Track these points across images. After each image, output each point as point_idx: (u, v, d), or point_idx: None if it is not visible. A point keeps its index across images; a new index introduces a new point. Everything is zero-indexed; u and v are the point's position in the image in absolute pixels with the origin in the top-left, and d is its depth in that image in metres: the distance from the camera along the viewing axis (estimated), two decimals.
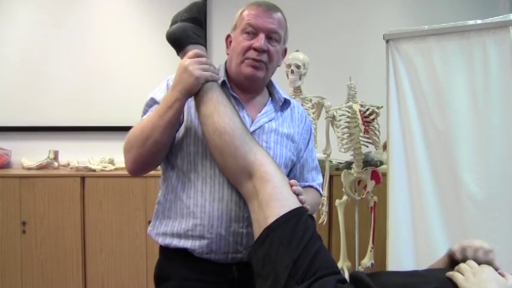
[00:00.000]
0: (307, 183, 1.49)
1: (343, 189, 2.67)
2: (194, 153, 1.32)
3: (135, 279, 3.07)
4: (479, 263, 1.04)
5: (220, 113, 1.26)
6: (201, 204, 1.30)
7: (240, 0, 1.48)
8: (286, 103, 1.45)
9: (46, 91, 3.39)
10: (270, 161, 1.26)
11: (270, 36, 1.33)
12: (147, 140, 1.25)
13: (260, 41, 1.31)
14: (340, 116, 2.58)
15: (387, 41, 2.34)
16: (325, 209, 2.64)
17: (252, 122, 1.36)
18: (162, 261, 1.41)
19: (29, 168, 3.18)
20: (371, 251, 2.64)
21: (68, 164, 3.23)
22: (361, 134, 2.55)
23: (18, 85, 3.37)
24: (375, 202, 2.65)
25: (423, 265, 1.29)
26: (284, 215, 1.16)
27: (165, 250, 1.38)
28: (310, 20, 3.56)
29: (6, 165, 3.27)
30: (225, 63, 1.43)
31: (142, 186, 3.05)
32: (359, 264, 2.72)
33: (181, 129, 1.33)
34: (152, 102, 1.37)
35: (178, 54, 1.43)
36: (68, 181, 3.03)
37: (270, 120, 1.39)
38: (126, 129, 1.37)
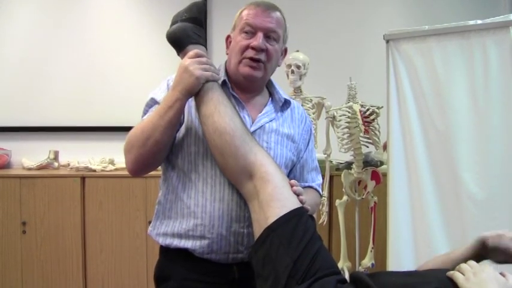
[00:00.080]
0: (307, 184, 1.49)
1: (344, 190, 2.67)
2: (195, 153, 1.32)
3: (135, 280, 3.07)
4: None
5: (220, 113, 1.26)
6: (202, 204, 1.30)
7: (240, 0, 1.48)
8: (286, 103, 1.45)
9: (46, 91, 3.39)
10: (270, 161, 1.26)
11: (269, 35, 1.33)
12: (148, 140, 1.25)
13: (258, 40, 1.31)
14: (340, 116, 2.58)
15: (387, 41, 2.34)
16: (325, 209, 2.64)
17: (253, 122, 1.36)
18: (162, 262, 1.41)
19: (29, 169, 3.18)
20: (371, 251, 2.64)
21: (68, 164, 3.23)
22: (362, 134, 2.55)
23: (18, 85, 3.38)
24: (375, 202, 2.65)
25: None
26: (284, 215, 1.16)
27: (165, 250, 1.37)
28: (310, 20, 3.56)
29: (7, 165, 3.27)
30: (225, 63, 1.43)
31: (143, 186, 3.05)
32: (359, 265, 2.72)
33: (182, 129, 1.33)
34: (152, 102, 1.37)
35: (178, 54, 1.43)
36: (68, 181, 3.03)
37: (271, 121, 1.39)
38: (127, 129, 1.37)
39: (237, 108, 1.34)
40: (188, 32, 1.40)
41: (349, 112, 2.56)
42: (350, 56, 3.53)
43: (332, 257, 1.21)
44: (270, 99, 1.45)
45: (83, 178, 3.05)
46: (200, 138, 1.32)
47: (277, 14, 1.36)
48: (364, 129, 2.49)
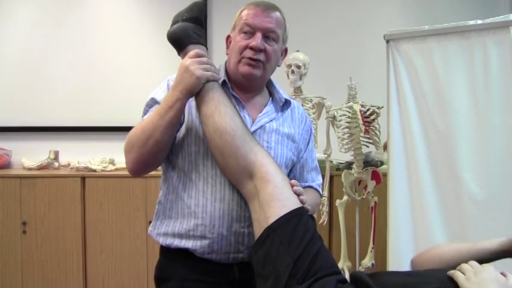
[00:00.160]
0: (307, 184, 1.49)
1: (344, 190, 2.67)
2: (195, 153, 1.32)
3: (135, 280, 3.07)
4: None
5: (221, 112, 1.26)
6: (202, 204, 1.30)
7: (240, 0, 1.48)
8: (286, 103, 1.45)
9: (46, 91, 3.39)
10: (270, 161, 1.26)
11: (267, 35, 1.33)
12: (148, 140, 1.25)
13: (257, 40, 1.31)
14: (340, 116, 2.58)
15: (387, 41, 2.34)
16: (325, 209, 2.64)
17: (253, 122, 1.36)
18: (162, 262, 1.41)
19: (30, 169, 3.18)
20: (371, 251, 2.64)
21: (69, 164, 3.24)
22: (362, 134, 2.55)
23: (18, 85, 3.38)
24: (375, 202, 2.65)
25: None
26: (285, 215, 1.16)
27: (165, 250, 1.37)
28: (310, 20, 3.56)
29: (7, 165, 3.27)
30: (225, 63, 1.43)
31: (143, 186, 3.05)
32: (359, 265, 2.72)
33: (182, 129, 1.33)
34: (153, 102, 1.38)
35: (179, 54, 1.43)
36: (69, 181, 3.03)
37: (271, 120, 1.39)
38: (127, 129, 1.37)
39: (237, 108, 1.34)
40: (189, 32, 1.40)
41: (349, 112, 2.57)
42: (350, 56, 3.53)
43: (332, 257, 1.21)
44: (271, 99, 1.45)
45: (83, 178, 3.05)
46: (201, 138, 1.32)
47: (277, 14, 1.36)
48: (365, 129, 2.49)
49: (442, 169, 2.22)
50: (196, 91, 1.27)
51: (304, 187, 1.45)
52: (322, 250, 1.15)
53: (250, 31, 1.33)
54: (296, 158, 1.45)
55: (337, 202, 2.70)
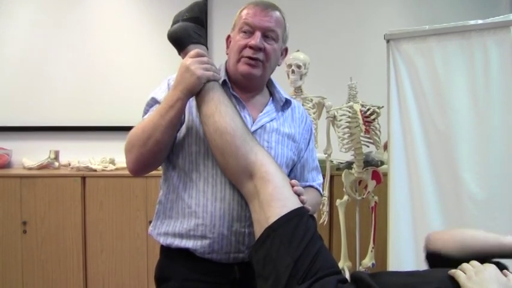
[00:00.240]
0: (307, 183, 1.49)
1: (344, 189, 2.67)
2: (196, 153, 1.32)
3: (135, 280, 3.07)
4: None
5: (221, 112, 1.26)
6: (203, 204, 1.30)
7: (241, 0, 1.48)
8: (287, 103, 1.45)
9: (46, 91, 3.39)
10: (271, 161, 1.26)
11: (267, 34, 1.33)
12: (149, 140, 1.25)
13: (256, 39, 1.31)
14: (341, 116, 2.58)
15: (388, 41, 2.34)
16: (326, 209, 2.64)
17: (253, 122, 1.36)
18: (163, 262, 1.41)
19: (30, 168, 3.18)
20: (372, 251, 2.64)
21: (69, 164, 3.24)
22: (362, 134, 2.55)
23: (18, 85, 3.37)
24: (375, 202, 2.65)
25: (424, 265, 1.29)
26: (285, 215, 1.16)
27: (166, 250, 1.37)
28: (310, 20, 3.56)
29: (7, 165, 3.27)
30: (225, 63, 1.43)
31: (143, 186, 3.05)
32: (360, 264, 2.72)
33: (183, 129, 1.33)
34: (153, 102, 1.38)
35: (179, 54, 1.43)
36: (69, 181, 3.03)
37: (271, 120, 1.39)
38: (127, 129, 1.36)
39: (237, 107, 1.34)
40: (189, 32, 1.41)
41: (349, 112, 2.57)
42: (350, 55, 3.53)
43: (333, 256, 1.21)
44: (271, 98, 1.45)
45: (84, 178, 3.05)
46: (201, 138, 1.32)
47: (276, 13, 1.36)
48: (365, 129, 2.49)
49: (442, 169, 2.22)
50: (196, 91, 1.27)
51: (305, 187, 1.45)
52: (323, 250, 1.16)
53: (249, 30, 1.33)
54: (297, 158, 1.45)
55: (338, 202, 2.70)
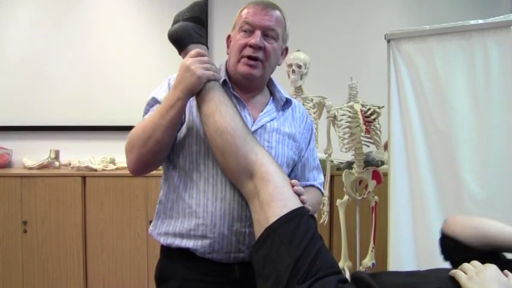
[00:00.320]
0: (308, 183, 1.49)
1: (344, 189, 2.67)
2: (196, 153, 1.32)
3: (136, 279, 3.07)
4: None
5: (221, 112, 1.26)
6: (203, 204, 1.30)
7: None
8: (287, 102, 1.45)
9: (47, 91, 3.39)
10: (271, 161, 1.26)
11: (267, 33, 1.33)
12: (149, 140, 1.25)
13: (256, 37, 1.31)
14: (341, 115, 2.58)
15: (388, 41, 2.34)
16: (326, 208, 2.65)
17: (254, 122, 1.36)
18: (163, 261, 1.41)
19: (30, 168, 3.18)
20: (372, 251, 2.64)
21: (69, 164, 3.24)
22: (362, 134, 2.55)
23: (19, 85, 3.38)
24: (376, 202, 2.65)
25: (424, 265, 1.29)
26: (285, 215, 1.16)
27: (166, 250, 1.37)
28: (311, 20, 3.56)
29: (7, 164, 3.27)
30: (226, 62, 1.43)
31: (144, 186, 3.05)
32: (360, 264, 2.72)
33: (183, 129, 1.33)
34: (153, 101, 1.38)
35: (180, 54, 1.43)
36: (69, 181, 3.03)
37: (272, 120, 1.39)
38: (127, 128, 1.37)
39: (238, 107, 1.34)
40: (189, 32, 1.41)
41: (350, 112, 2.56)
42: (351, 55, 3.53)
43: (333, 256, 1.21)
44: (271, 98, 1.45)
45: (84, 177, 3.05)
46: (201, 137, 1.32)
47: (277, 12, 1.36)
48: (365, 128, 2.49)
49: (442, 169, 2.22)
50: (197, 90, 1.27)
51: (306, 186, 1.45)
52: (323, 250, 1.16)
53: (249, 29, 1.33)
54: (297, 157, 1.45)
55: (338, 202, 2.70)
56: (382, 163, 2.94)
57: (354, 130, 2.56)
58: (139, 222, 3.05)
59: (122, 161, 3.13)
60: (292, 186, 1.25)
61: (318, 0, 3.60)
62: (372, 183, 2.62)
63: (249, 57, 1.33)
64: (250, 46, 1.32)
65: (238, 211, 1.30)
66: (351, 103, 2.59)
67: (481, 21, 2.12)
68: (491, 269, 1.00)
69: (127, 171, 1.37)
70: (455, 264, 1.08)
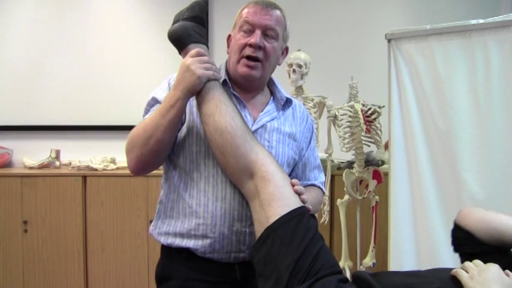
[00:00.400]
0: (309, 182, 1.49)
1: (345, 189, 2.67)
2: (196, 153, 1.32)
3: (136, 279, 3.07)
4: None
5: (221, 112, 1.26)
6: (204, 204, 1.30)
7: None
8: (287, 102, 1.45)
9: (47, 90, 3.40)
10: (271, 161, 1.26)
11: (267, 33, 1.33)
12: (150, 139, 1.25)
13: (256, 37, 1.31)
14: (341, 115, 2.58)
15: (389, 41, 2.34)
16: (326, 208, 2.65)
17: (254, 121, 1.36)
18: (163, 261, 1.40)
19: (31, 168, 3.19)
20: (372, 250, 2.64)
21: (70, 163, 3.24)
22: (363, 134, 2.55)
23: (19, 84, 3.38)
24: (376, 202, 2.65)
25: (425, 265, 1.29)
26: (285, 214, 1.16)
27: (167, 250, 1.37)
28: (311, 20, 3.56)
29: (8, 164, 3.27)
30: (226, 62, 1.43)
31: (144, 185, 3.05)
32: (360, 264, 2.72)
33: (184, 129, 1.33)
34: (154, 101, 1.37)
35: (180, 53, 1.43)
36: (70, 180, 3.03)
37: (272, 119, 1.39)
38: (128, 128, 1.37)
39: (238, 107, 1.34)
40: (190, 31, 1.40)
41: (350, 111, 2.56)
42: (351, 55, 3.53)
43: (333, 256, 1.21)
44: (272, 98, 1.44)
45: (85, 177, 3.05)
46: (202, 137, 1.32)
47: (277, 12, 1.36)
48: (366, 128, 2.49)
49: (443, 168, 2.21)
50: (197, 90, 1.27)
51: (307, 185, 1.45)
52: (323, 249, 1.15)
53: (249, 29, 1.33)
54: (298, 157, 1.45)
55: (338, 201, 2.70)
56: (383, 163, 2.94)
57: (354, 130, 2.56)
58: (139, 222, 3.05)
59: (122, 160, 3.13)
60: (293, 185, 1.25)
61: (318, 0, 3.60)
62: (373, 183, 2.62)
63: (249, 57, 1.32)
64: (250, 46, 1.32)
65: (238, 211, 1.30)
66: (352, 103, 2.59)
67: (481, 20, 2.12)
68: (494, 268, 1.00)
69: (127, 171, 1.36)
70: (464, 258, 1.07)
